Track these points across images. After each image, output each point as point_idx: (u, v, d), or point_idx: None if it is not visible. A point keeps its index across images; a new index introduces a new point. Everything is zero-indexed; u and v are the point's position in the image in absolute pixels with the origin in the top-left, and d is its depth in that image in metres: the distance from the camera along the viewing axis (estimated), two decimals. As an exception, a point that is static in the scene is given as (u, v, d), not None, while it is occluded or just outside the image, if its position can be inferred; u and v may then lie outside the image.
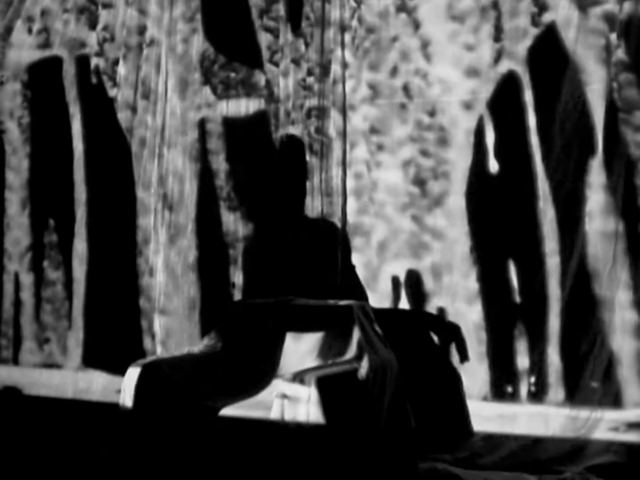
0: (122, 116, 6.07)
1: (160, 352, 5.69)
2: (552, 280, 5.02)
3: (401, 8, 5.46)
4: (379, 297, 5.29)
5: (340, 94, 5.47)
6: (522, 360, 5.14)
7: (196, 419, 3.64)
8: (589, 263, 4.91)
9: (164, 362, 3.90)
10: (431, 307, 5.30)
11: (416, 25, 5.43)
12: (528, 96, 5.17)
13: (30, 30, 6.33)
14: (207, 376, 3.88)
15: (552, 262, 5.04)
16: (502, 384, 5.18)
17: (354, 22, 5.56)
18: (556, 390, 4.99)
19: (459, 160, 5.31)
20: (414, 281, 5.36)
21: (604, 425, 4.37)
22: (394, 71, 5.47)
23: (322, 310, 4.06)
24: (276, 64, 5.74)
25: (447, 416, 4.14)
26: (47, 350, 6.27)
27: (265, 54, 5.78)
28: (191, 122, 5.93)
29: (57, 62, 6.27)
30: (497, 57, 5.26)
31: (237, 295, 5.66)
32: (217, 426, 3.61)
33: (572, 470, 3.92)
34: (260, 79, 5.80)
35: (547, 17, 5.15)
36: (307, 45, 5.64)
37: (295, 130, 5.58)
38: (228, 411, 3.70)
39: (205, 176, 5.88)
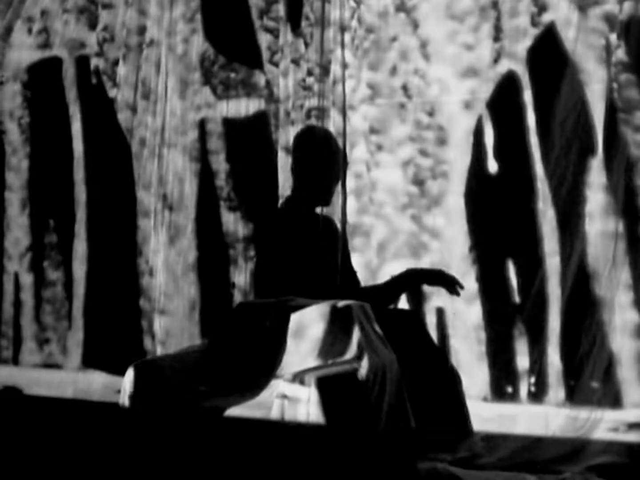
0: (122, 116, 6.07)
1: (160, 351, 5.70)
2: (552, 280, 5.03)
3: (400, 8, 5.47)
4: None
5: (340, 94, 5.47)
6: (522, 361, 5.15)
7: (195, 420, 3.64)
8: (589, 263, 4.91)
9: (162, 361, 3.89)
10: (430, 307, 5.31)
11: (415, 25, 5.43)
12: (528, 96, 5.18)
13: (30, 31, 6.33)
14: (207, 376, 3.88)
15: (552, 262, 5.04)
16: (502, 384, 5.18)
17: (354, 22, 5.56)
18: (556, 390, 4.99)
19: (458, 160, 5.32)
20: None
21: (604, 425, 4.37)
22: (393, 71, 5.47)
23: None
24: (276, 64, 5.74)
25: (447, 416, 4.13)
26: (47, 350, 6.27)
27: (265, 54, 5.78)
28: (191, 123, 5.93)
29: (57, 62, 6.27)
30: (497, 57, 5.26)
31: (237, 296, 5.66)
32: (216, 427, 3.61)
33: (572, 470, 3.90)
34: (260, 79, 5.80)
35: (546, 17, 5.16)
36: (307, 45, 5.64)
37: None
38: (227, 411, 3.70)
39: (205, 176, 5.88)
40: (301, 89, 5.64)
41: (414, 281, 4.22)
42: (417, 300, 5.34)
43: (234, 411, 3.69)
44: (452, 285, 4.11)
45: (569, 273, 4.91)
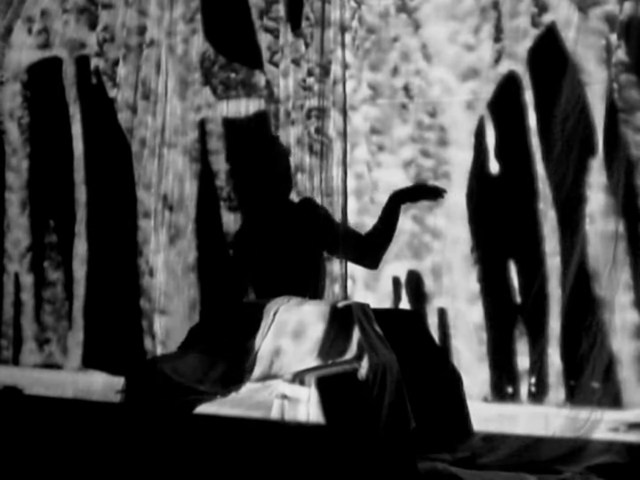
0: (122, 117, 6.06)
1: (160, 351, 5.70)
2: (553, 281, 5.02)
3: (401, 8, 5.47)
4: (379, 298, 5.29)
5: (341, 95, 5.47)
6: (523, 361, 5.15)
7: (194, 420, 3.64)
8: (589, 263, 4.91)
9: (162, 361, 3.89)
10: (432, 307, 5.31)
11: (416, 26, 5.43)
12: (528, 96, 5.18)
13: (30, 31, 6.33)
14: (206, 376, 3.88)
15: (553, 262, 5.04)
16: (503, 385, 5.18)
17: (354, 23, 5.56)
18: (556, 390, 4.99)
19: (460, 160, 5.31)
20: (414, 282, 5.36)
21: (604, 425, 4.37)
22: (394, 71, 5.47)
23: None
24: (276, 65, 5.74)
25: (447, 416, 4.13)
26: (47, 350, 6.27)
27: (265, 55, 5.78)
28: (191, 123, 5.93)
29: (57, 62, 6.27)
30: (498, 58, 5.26)
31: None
32: (216, 426, 3.61)
33: (572, 470, 3.91)
34: (260, 79, 5.80)
35: (547, 18, 5.15)
36: (307, 45, 5.64)
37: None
38: (227, 411, 3.70)
39: (205, 176, 5.88)
40: (301, 89, 5.64)
41: (398, 201, 4.25)
42: (419, 300, 5.34)
43: (234, 411, 3.69)
44: (434, 193, 4.20)
45: (570, 273, 4.91)
